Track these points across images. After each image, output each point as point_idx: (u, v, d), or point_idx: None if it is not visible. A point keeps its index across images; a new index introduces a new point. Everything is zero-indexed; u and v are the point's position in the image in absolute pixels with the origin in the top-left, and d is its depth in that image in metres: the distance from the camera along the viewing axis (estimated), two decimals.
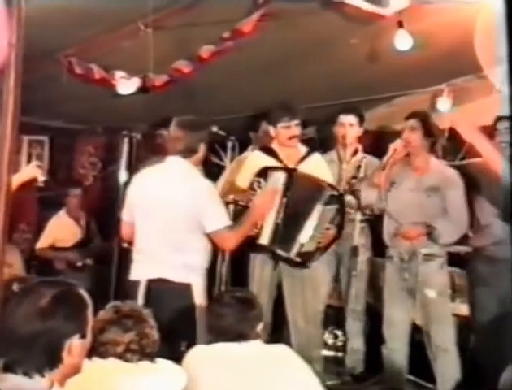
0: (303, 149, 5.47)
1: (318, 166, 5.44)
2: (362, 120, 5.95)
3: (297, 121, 5.28)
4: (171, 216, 4.37)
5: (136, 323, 2.95)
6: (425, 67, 5.44)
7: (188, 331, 4.27)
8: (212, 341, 3.42)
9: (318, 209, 5.06)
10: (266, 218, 5.01)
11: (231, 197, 5.30)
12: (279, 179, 5.07)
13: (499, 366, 2.05)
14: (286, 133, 5.28)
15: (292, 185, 5.08)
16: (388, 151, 5.27)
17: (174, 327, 4.15)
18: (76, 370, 2.29)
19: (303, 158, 5.41)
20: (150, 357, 2.93)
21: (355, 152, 5.97)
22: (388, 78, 5.77)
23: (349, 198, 5.63)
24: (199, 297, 4.36)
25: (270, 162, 5.32)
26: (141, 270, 4.48)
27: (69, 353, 2.19)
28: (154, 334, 2.99)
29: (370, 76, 5.70)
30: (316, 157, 5.51)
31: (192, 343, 3.85)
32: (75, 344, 2.21)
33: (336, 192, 5.20)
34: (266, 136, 5.97)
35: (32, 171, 5.02)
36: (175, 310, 4.24)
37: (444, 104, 6.13)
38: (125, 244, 4.91)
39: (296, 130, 5.29)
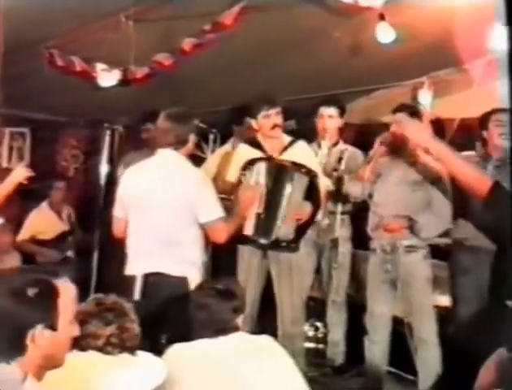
0: (287, 139, 5.48)
1: (302, 153, 5.44)
2: (342, 112, 5.97)
3: (276, 109, 5.27)
4: (167, 209, 4.37)
5: (118, 317, 2.94)
6: (406, 60, 5.46)
7: (184, 322, 4.28)
8: (194, 332, 3.42)
9: (288, 188, 5.11)
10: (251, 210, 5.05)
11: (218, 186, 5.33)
12: (260, 170, 5.10)
13: (480, 356, 2.06)
14: (267, 123, 5.28)
15: (271, 175, 5.12)
16: (374, 144, 5.28)
17: (171, 320, 4.17)
18: (53, 362, 2.26)
19: (287, 147, 5.42)
20: (131, 350, 2.92)
21: (336, 144, 5.99)
22: (369, 70, 5.78)
23: (326, 182, 5.66)
24: None
25: (255, 154, 5.34)
26: (136, 265, 4.49)
27: (32, 342, 2.16)
28: (135, 328, 2.99)
29: (352, 69, 5.71)
30: (300, 144, 5.51)
31: (187, 334, 3.86)
32: (39, 334, 2.17)
33: (304, 170, 5.21)
34: (249, 131, 5.99)
35: (20, 173, 5.01)
36: (172, 304, 4.25)
37: (424, 97, 6.15)
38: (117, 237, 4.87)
39: (277, 118, 5.28)
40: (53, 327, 2.23)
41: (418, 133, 4.38)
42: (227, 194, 5.24)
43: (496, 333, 1.87)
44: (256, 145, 5.40)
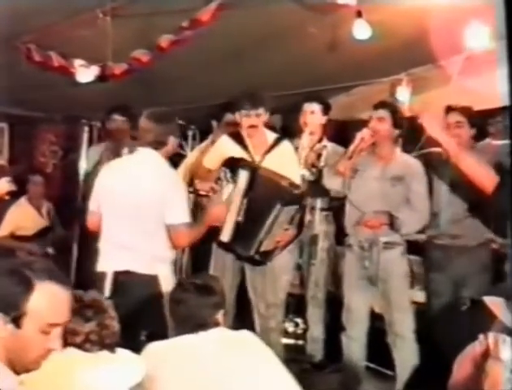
0: (271, 137, 5.46)
1: (285, 156, 5.42)
2: (326, 108, 5.99)
3: (258, 111, 5.25)
4: (141, 207, 4.37)
5: (97, 314, 2.93)
6: (384, 57, 5.48)
7: (157, 320, 4.29)
8: (174, 328, 3.42)
9: (276, 209, 5.04)
10: (228, 216, 5.04)
11: (196, 182, 5.31)
12: (242, 177, 5.10)
13: (454, 351, 2.09)
14: (246, 122, 5.27)
15: (254, 184, 5.10)
16: (354, 139, 5.29)
17: (142, 318, 4.17)
18: (20, 361, 2.21)
19: (271, 147, 5.40)
20: (110, 347, 2.92)
21: (320, 140, 6.00)
22: (347, 67, 5.80)
23: (307, 175, 5.68)
24: (168, 287, 4.36)
25: (237, 150, 5.33)
26: (107, 262, 4.48)
27: None
28: (115, 325, 2.98)
29: (330, 66, 5.73)
30: (285, 145, 5.47)
31: (162, 332, 3.86)
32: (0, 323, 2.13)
33: (296, 192, 5.18)
34: (228, 127, 6.00)
35: (3, 186, 5.00)
36: (143, 301, 4.25)
37: (403, 93, 6.18)
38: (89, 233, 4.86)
39: (256, 120, 5.26)
40: (15, 322, 2.17)
41: (432, 125, 4.47)
42: (203, 180, 5.25)
43: (469, 327, 1.90)
44: (238, 139, 5.40)
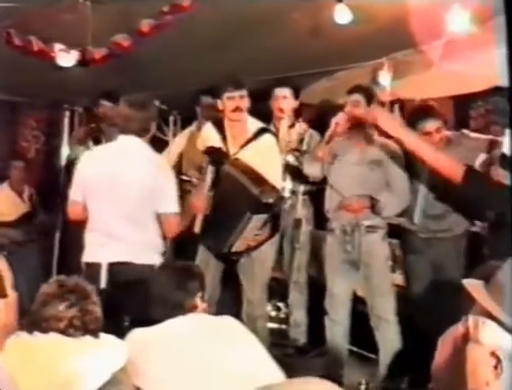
0: (253, 127, 5.41)
1: (264, 152, 5.34)
2: (297, 93, 5.99)
3: (241, 92, 5.24)
4: (131, 195, 4.36)
5: (80, 299, 2.92)
6: (365, 41, 5.47)
7: (132, 306, 4.28)
8: (153, 311, 3.42)
9: (246, 217, 5.00)
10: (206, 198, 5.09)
11: (185, 167, 5.31)
12: (209, 171, 5.10)
13: (434, 332, 2.11)
14: (230, 105, 5.24)
15: (220, 181, 5.10)
16: (331, 125, 5.31)
17: (136, 304, 4.17)
18: (8, 330, 2.23)
19: (250, 140, 5.35)
20: (93, 333, 2.92)
21: (293, 125, 6.00)
22: (328, 52, 5.78)
23: (290, 159, 5.69)
24: None
25: (216, 140, 5.33)
26: (100, 252, 4.45)
27: None
28: (97, 311, 2.97)
29: (312, 50, 5.71)
30: (266, 138, 5.41)
31: (137, 317, 3.86)
32: None
33: (267, 201, 5.10)
34: (206, 110, 6.00)
35: None
36: (140, 291, 4.25)
37: (384, 78, 6.19)
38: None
39: (240, 101, 5.24)
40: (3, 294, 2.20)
41: (389, 124, 4.47)
42: (197, 170, 5.27)
43: (450, 309, 1.92)
44: (220, 128, 5.39)
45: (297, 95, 5.99)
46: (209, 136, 5.37)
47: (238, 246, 5.14)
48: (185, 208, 4.74)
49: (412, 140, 4.45)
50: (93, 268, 4.41)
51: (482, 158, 4.85)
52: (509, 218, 3.93)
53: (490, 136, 5.20)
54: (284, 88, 5.93)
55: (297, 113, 6.08)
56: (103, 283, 4.33)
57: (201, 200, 5.00)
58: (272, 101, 5.99)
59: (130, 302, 4.20)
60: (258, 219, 5.05)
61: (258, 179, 5.10)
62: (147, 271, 4.25)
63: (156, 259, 4.44)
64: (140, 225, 4.43)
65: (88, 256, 4.52)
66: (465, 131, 5.48)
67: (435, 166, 4.35)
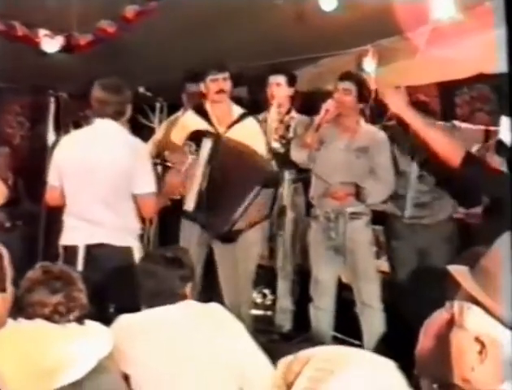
0: (237, 111, 5.45)
1: (250, 132, 5.42)
2: (291, 80, 5.99)
3: (224, 75, 5.27)
4: (109, 178, 4.36)
5: (65, 285, 2.91)
6: (350, 28, 5.47)
7: (117, 293, 4.29)
8: (142, 300, 3.42)
9: (256, 190, 5.04)
10: (191, 186, 5.07)
11: (166, 154, 5.30)
12: (206, 145, 5.10)
13: (419, 318, 2.12)
14: (214, 87, 5.28)
15: (218, 153, 5.10)
16: (320, 111, 5.31)
17: (115, 290, 4.17)
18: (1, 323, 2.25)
19: (235, 122, 5.39)
20: (78, 319, 2.91)
21: (288, 112, 6.00)
22: (314, 39, 5.79)
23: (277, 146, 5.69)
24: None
25: (201, 124, 5.32)
26: (77, 235, 4.44)
27: None
28: (83, 297, 2.96)
29: (297, 37, 5.72)
30: (250, 122, 5.48)
31: (121, 304, 3.86)
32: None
33: (274, 171, 5.19)
34: (191, 97, 5.99)
35: None
36: (118, 274, 4.24)
37: (369, 64, 6.18)
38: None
39: (223, 84, 5.28)
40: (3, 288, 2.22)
41: (395, 101, 4.49)
42: (172, 152, 5.25)
43: (435, 295, 1.93)
44: (203, 113, 5.39)
45: (291, 82, 5.99)
46: (191, 121, 5.36)
47: (240, 225, 5.16)
48: (161, 188, 4.71)
49: (416, 120, 4.48)
50: (71, 251, 4.42)
51: (476, 147, 4.88)
52: (507, 204, 3.97)
53: (482, 127, 5.23)
54: (279, 76, 5.92)
55: (292, 100, 6.06)
56: (80, 266, 4.33)
57: (177, 178, 4.96)
58: (267, 89, 5.98)
59: (113, 288, 4.21)
60: (265, 194, 5.10)
61: (257, 155, 5.18)
62: (125, 254, 4.33)
63: (133, 242, 4.46)
64: (116, 208, 4.43)
65: (65, 239, 4.52)
66: (456, 122, 5.51)
67: (436, 148, 4.38)
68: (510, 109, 3.77)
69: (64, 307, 2.82)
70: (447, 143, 4.39)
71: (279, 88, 5.91)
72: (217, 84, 5.27)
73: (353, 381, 1.52)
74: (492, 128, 4.78)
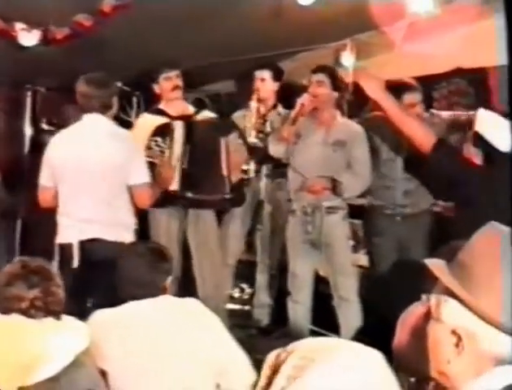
0: (191, 108, 5.56)
1: None
2: (277, 75, 5.99)
3: (177, 72, 5.38)
4: (100, 173, 4.37)
5: (43, 280, 2.90)
6: (328, 22, 5.47)
7: (95, 287, 4.28)
8: (123, 294, 3.41)
9: (223, 140, 5.20)
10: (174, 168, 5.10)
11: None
12: (178, 127, 5.12)
13: (397, 313, 2.13)
14: (168, 85, 5.38)
15: (192, 132, 5.12)
16: (296, 106, 5.32)
17: (104, 284, 4.15)
18: None
19: (192, 115, 5.49)
20: (55, 314, 2.90)
21: (274, 106, 6.02)
22: (291, 33, 5.78)
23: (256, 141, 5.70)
24: None
25: (161, 120, 5.36)
26: (71, 233, 4.46)
27: None
28: (60, 292, 2.96)
29: (275, 32, 5.71)
30: (207, 113, 5.58)
31: (99, 299, 3.85)
32: None
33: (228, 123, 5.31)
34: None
35: None
36: (111, 269, 4.24)
37: (347, 59, 6.19)
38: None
39: (177, 80, 5.38)
40: None
41: (370, 85, 4.51)
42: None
43: (412, 289, 1.94)
44: (160, 112, 5.45)
45: (277, 77, 5.98)
46: (151, 120, 5.42)
47: (235, 177, 5.29)
48: (154, 180, 4.71)
49: (391, 105, 4.51)
50: (67, 249, 4.45)
51: (455, 136, 4.90)
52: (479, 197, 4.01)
53: (464, 113, 5.26)
54: (264, 71, 5.95)
55: (278, 95, 6.07)
56: (76, 262, 4.36)
57: (169, 170, 5.01)
58: (253, 83, 5.99)
59: (100, 282, 4.21)
60: (233, 138, 5.25)
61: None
62: (118, 249, 4.28)
63: (128, 237, 4.46)
64: (111, 203, 4.45)
65: (61, 237, 4.54)
66: (434, 111, 5.53)
67: (409, 133, 4.43)
68: (510, 100, 3.79)
69: (41, 302, 2.82)
70: (419, 128, 4.43)
71: (263, 83, 5.93)
72: (171, 81, 5.37)
73: (333, 369, 1.52)
74: (472, 117, 4.77)
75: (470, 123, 4.57)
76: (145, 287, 3.33)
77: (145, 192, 4.53)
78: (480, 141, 4.22)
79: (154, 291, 3.34)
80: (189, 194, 5.25)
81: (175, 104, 5.43)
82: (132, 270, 3.39)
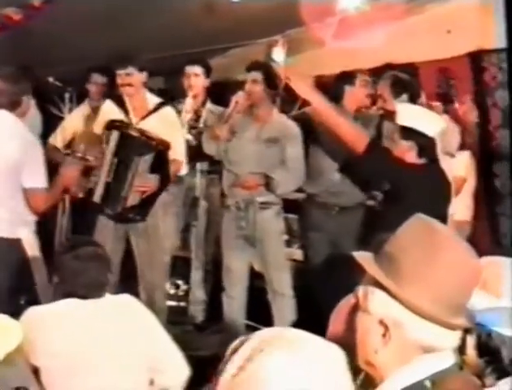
0: (153, 102, 5.44)
1: (165, 121, 5.39)
2: (208, 71, 5.98)
3: (127, 70, 5.23)
4: None
5: None
6: (259, 18, 5.50)
7: (26, 285, 4.22)
8: (61, 295, 3.37)
9: (135, 161, 5.04)
10: (100, 177, 5.05)
11: (81, 147, 5.23)
12: (113, 137, 5.07)
13: (329, 305, 2.16)
14: (119, 81, 5.28)
15: (124, 144, 5.08)
16: (230, 103, 5.33)
17: (10, 283, 4.09)
18: None
19: (151, 112, 5.38)
20: None
21: (203, 103, 6.00)
22: (223, 29, 5.79)
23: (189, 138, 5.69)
24: (32, 250, 4.30)
25: (117, 113, 5.31)
26: None
27: None
28: None
29: (206, 27, 5.71)
30: (167, 111, 5.45)
31: (32, 296, 3.80)
32: None
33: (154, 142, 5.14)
34: (97, 88, 5.97)
35: None
36: (8, 266, 4.17)
37: (278, 54, 6.21)
38: None
39: (127, 78, 5.25)
40: None
41: (300, 85, 4.53)
42: (87, 145, 5.20)
43: (344, 281, 1.97)
44: (120, 102, 5.37)
45: (208, 73, 5.98)
46: (109, 111, 5.33)
47: (133, 199, 5.13)
48: (54, 182, 4.61)
49: (323, 105, 4.53)
50: None
51: (387, 126, 4.93)
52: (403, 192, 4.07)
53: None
54: (195, 66, 5.89)
55: (208, 91, 6.06)
56: None
57: (73, 170, 4.77)
58: (184, 79, 5.94)
59: (17, 281, 4.15)
60: (144, 161, 5.06)
61: (159, 140, 5.15)
62: (14, 246, 4.26)
63: (24, 233, 4.38)
64: (5, 200, 4.33)
65: None
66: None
67: (340, 132, 4.44)
68: (510, 85, 3.83)
69: None
70: (351, 127, 4.47)
71: (197, 79, 5.89)
72: (121, 78, 5.26)
73: (275, 360, 1.53)
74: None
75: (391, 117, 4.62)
76: (93, 289, 3.30)
77: (39, 198, 4.41)
78: (408, 132, 4.27)
79: (100, 289, 3.31)
80: (109, 211, 5.21)
81: (134, 98, 5.35)
82: (79, 275, 3.33)
